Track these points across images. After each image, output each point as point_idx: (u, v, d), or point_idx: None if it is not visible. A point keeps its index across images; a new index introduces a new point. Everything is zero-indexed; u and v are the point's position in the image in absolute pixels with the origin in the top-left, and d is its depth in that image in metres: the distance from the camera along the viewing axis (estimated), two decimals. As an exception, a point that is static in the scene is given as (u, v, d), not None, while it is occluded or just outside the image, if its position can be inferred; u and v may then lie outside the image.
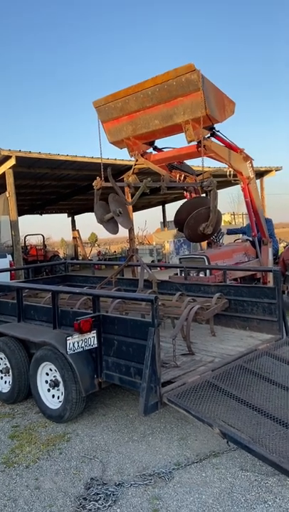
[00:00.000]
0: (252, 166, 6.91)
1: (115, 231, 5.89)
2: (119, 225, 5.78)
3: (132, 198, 6.43)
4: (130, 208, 6.53)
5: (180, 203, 6.39)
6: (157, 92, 5.27)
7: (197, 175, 7.47)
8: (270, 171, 17.20)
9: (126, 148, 6.34)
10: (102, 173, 5.63)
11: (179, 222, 5.73)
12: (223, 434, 3.15)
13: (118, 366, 3.86)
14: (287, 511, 2.61)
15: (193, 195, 7.46)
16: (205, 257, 6.81)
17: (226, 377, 3.94)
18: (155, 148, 6.57)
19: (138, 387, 3.55)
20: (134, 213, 22.85)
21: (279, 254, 8.38)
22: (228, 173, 7.06)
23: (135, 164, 6.29)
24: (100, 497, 2.85)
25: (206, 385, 3.77)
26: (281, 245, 10.88)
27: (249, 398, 3.71)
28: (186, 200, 7.40)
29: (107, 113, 5.93)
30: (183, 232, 5.60)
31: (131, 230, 15.28)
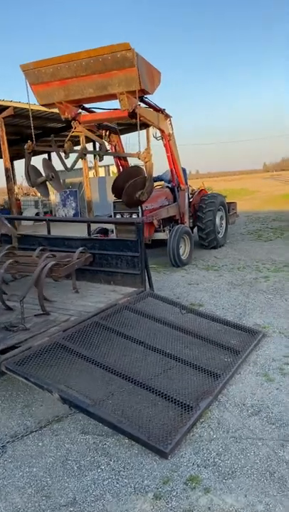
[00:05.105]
0: (171, 123, 7.81)
1: (47, 193, 6.71)
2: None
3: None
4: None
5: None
6: (92, 64, 5.32)
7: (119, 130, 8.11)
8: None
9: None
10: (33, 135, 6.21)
11: (117, 189, 6.31)
12: (62, 400, 2.95)
13: None
14: (120, 474, 2.52)
15: (123, 161, 8.20)
16: None
17: (78, 337, 3.73)
18: (83, 108, 6.66)
19: (-27, 356, 3.14)
20: (15, 161, 21.11)
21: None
22: (153, 134, 8.07)
23: (72, 131, 6.41)
24: None
25: (55, 348, 3.51)
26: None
27: (100, 357, 3.56)
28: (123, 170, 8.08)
29: (36, 77, 5.78)
30: (120, 199, 6.11)
31: (9, 180, 14.08)
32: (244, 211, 16.62)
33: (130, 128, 16.59)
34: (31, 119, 6.71)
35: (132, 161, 9.50)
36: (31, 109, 7.15)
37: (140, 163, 5.90)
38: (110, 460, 2.65)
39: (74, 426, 3.05)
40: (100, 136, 7.54)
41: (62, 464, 2.65)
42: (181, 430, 2.82)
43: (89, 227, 5.48)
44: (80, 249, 5.01)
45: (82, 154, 6.67)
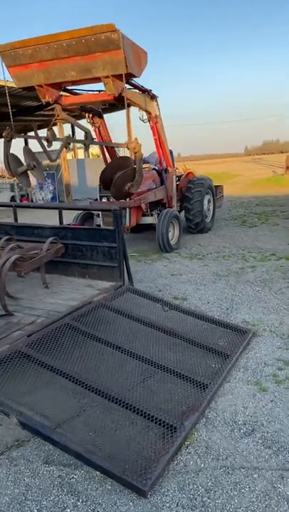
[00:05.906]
0: (157, 104, 7.45)
1: (29, 183, 6.35)
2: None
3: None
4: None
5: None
6: (74, 45, 4.95)
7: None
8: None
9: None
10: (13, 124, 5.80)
11: (105, 180, 5.98)
12: (22, 425, 2.48)
13: None
14: (88, 518, 2.08)
15: (108, 147, 7.90)
16: None
17: (44, 343, 3.24)
18: (65, 90, 6.21)
19: None
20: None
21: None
22: (139, 117, 7.60)
23: (55, 119, 6.06)
24: None
25: (16, 357, 3.02)
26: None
27: (70, 367, 3.08)
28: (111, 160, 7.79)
29: (13, 58, 5.38)
30: (109, 190, 5.70)
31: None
32: (227, 195, 16.17)
33: (111, 108, 15.86)
34: (8, 99, 6.11)
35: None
36: (6, 86, 6.57)
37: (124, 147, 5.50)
38: (78, 500, 2.20)
39: (37, 453, 2.59)
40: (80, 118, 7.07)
41: (20, 506, 2.19)
42: (162, 459, 2.38)
43: (60, 214, 4.94)
44: (50, 239, 4.49)
45: (67, 143, 6.29)
